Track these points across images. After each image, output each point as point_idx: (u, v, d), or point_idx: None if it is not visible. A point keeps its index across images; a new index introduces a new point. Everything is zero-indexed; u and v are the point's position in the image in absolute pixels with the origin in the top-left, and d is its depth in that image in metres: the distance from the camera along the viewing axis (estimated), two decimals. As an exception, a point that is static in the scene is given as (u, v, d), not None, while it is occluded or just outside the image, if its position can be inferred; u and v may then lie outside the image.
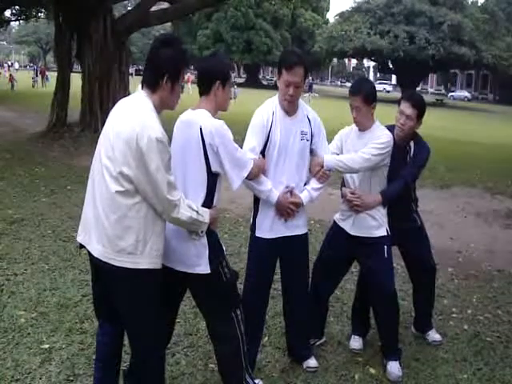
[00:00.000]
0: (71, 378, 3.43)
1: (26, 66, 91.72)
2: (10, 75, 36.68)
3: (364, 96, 3.46)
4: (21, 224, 6.53)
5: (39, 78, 41.37)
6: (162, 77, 2.65)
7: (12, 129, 15.66)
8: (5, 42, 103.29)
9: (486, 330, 4.45)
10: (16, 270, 5.10)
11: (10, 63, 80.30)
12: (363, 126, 3.57)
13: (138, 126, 2.54)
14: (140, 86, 2.74)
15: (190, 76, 54.87)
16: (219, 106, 3.04)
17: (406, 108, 3.68)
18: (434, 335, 4.21)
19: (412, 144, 3.78)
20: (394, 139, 3.66)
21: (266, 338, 4.04)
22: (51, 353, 3.71)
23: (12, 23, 39.75)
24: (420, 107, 3.70)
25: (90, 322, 4.11)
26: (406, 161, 3.76)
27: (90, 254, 2.74)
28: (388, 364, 3.68)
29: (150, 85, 2.68)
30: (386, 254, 3.63)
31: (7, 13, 30.75)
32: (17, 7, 29.52)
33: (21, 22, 39.51)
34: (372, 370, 3.73)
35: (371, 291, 3.75)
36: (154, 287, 2.77)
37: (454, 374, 3.75)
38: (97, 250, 2.66)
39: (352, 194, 3.62)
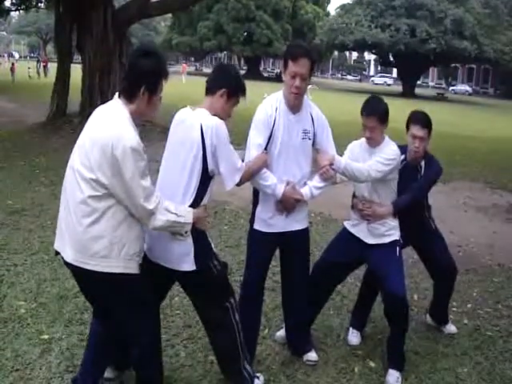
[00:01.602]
0: (71, 369, 3.42)
1: (26, 57, 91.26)
2: (13, 64, 36.57)
3: (379, 117, 3.48)
4: (21, 214, 6.52)
5: (41, 69, 41.22)
6: (138, 88, 2.64)
7: (12, 119, 15.62)
8: (5, 32, 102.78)
9: (486, 324, 4.46)
10: (16, 260, 5.10)
11: (10, 53, 79.95)
12: (375, 143, 3.58)
13: (113, 135, 2.55)
14: (117, 94, 2.75)
15: (184, 66, 55.15)
16: (216, 113, 3.02)
17: (417, 131, 3.72)
18: (450, 328, 4.26)
19: (423, 163, 3.83)
20: (407, 160, 3.77)
21: (266, 331, 4.03)
22: (51, 343, 3.71)
23: (12, 13, 39.50)
24: (429, 126, 3.76)
25: (89, 313, 4.09)
26: (417, 180, 3.82)
27: (63, 260, 2.77)
28: (388, 370, 3.60)
29: (127, 95, 2.69)
30: (397, 253, 3.63)
31: (7, 2, 30.61)
32: (17, -3, 29.44)
33: (21, 11, 39.25)
34: (372, 364, 3.73)
35: (382, 293, 3.71)
36: (134, 290, 2.79)
37: (454, 367, 3.75)
38: (70, 255, 2.69)
39: (363, 203, 3.65)
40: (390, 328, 3.70)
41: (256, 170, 3.23)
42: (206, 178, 2.96)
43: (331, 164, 3.40)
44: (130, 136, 2.58)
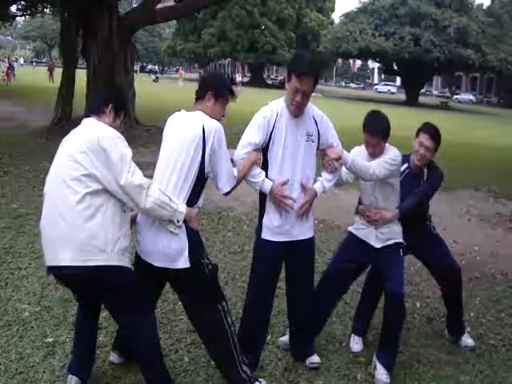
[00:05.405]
0: (74, 373, 3.43)
1: (31, 62, 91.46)
2: (7, 69, 36.93)
3: (382, 136, 3.56)
4: (25, 218, 6.53)
5: (47, 75, 41.37)
6: (106, 106, 3.03)
7: (16, 124, 15.67)
8: (10, 37, 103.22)
9: (488, 332, 4.45)
10: (20, 264, 5.12)
11: (14, 58, 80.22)
12: (376, 156, 3.62)
13: (96, 133, 2.84)
14: (85, 118, 3.04)
15: (181, 72, 55.40)
16: (209, 116, 3.10)
17: (426, 140, 3.78)
18: (466, 340, 4.18)
19: (425, 170, 3.89)
20: (411, 167, 3.86)
21: (269, 337, 4.02)
22: (55, 346, 3.72)
23: (18, 18, 39.60)
24: (438, 139, 3.83)
25: (93, 317, 4.12)
26: (420, 185, 3.87)
27: (60, 271, 2.85)
28: (376, 367, 3.62)
29: (96, 112, 3.03)
30: (401, 254, 3.71)
31: (13, 8, 30.72)
32: (22, 2, 29.50)
33: (26, 17, 39.36)
34: (374, 371, 3.73)
35: (384, 290, 3.74)
36: (130, 283, 2.93)
37: (456, 375, 3.75)
38: (68, 258, 2.77)
39: (369, 210, 3.71)
40: (383, 327, 3.70)
41: (247, 171, 3.28)
42: (202, 179, 3.02)
43: (339, 158, 3.43)
44: (112, 130, 2.90)
